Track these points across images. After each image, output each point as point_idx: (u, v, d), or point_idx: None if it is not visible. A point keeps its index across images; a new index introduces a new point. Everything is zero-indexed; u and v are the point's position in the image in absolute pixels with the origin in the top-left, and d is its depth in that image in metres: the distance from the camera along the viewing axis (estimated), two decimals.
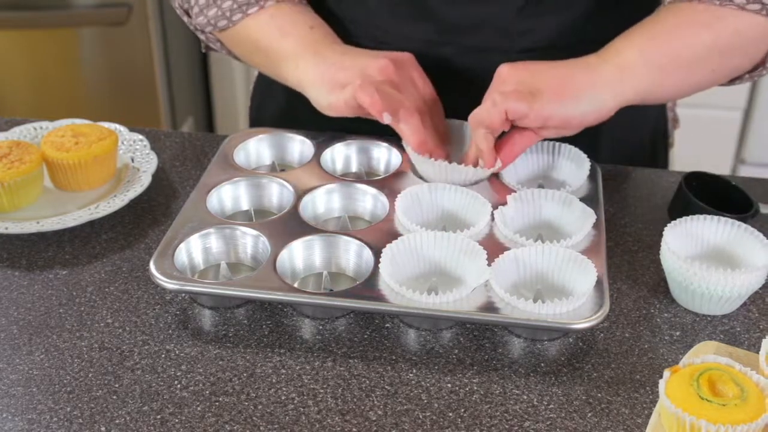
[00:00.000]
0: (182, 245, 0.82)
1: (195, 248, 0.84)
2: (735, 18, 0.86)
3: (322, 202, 0.90)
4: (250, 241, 0.84)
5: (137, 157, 1.00)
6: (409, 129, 0.87)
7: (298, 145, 0.99)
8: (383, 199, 0.89)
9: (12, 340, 0.79)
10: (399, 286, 0.77)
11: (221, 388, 0.74)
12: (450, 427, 0.70)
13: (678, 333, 0.80)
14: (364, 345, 0.78)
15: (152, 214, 0.95)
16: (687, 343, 0.78)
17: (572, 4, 0.96)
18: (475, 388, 0.74)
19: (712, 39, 0.86)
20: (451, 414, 0.71)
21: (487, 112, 0.84)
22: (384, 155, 0.98)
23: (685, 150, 1.36)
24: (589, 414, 0.72)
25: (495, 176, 0.91)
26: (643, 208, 0.96)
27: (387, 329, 0.79)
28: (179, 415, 0.71)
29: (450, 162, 0.88)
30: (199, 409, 0.72)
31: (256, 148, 0.99)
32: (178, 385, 0.74)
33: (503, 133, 0.88)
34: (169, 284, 0.79)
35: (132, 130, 1.05)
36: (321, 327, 0.80)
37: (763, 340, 0.71)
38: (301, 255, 0.83)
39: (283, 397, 0.73)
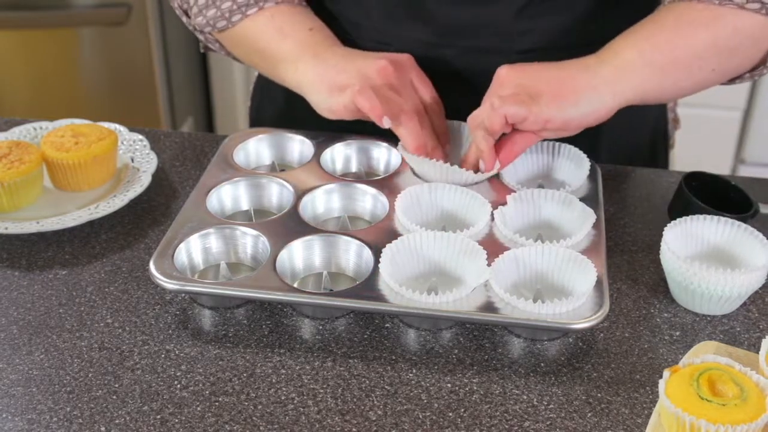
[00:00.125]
0: (182, 245, 0.82)
1: (195, 248, 0.84)
2: (734, 17, 0.86)
3: (322, 202, 0.90)
4: (249, 241, 0.84)
5: (137, 157, 1.00)
6: (407, 132, 0.88)
7: (298, 145, 0.99)
8: (383, 199, 0.89)
9: (12, 340, 0.79)
10: (399, 286, 0.77)
11: (221, 388, 0.74)
12: (450, 427, 0.70)
13: (678, 333, 0.80)
14: (364, 345, 0.78)
15: (152, 214, 0.95)
16: (687, 343, 0.78)
17: (572, 4, 0.95)
18: (475, 388, 0.74)
19: (711, 38, 0.86)
20: (451, 414, 0.71)
21: (487, 117, 0.84)
22: (384, 155, 0.98)
23: (685, 150, 1.36)
24: (589, 414, 0.72)
25: (495, 176, 0.91)
26: (642, 208, 0.96)
27: (387, 329, 0.79)
28: (179, 415, 0.71)
29: (448, 163, 0.88)
30: (199, 409, 0.72)
31: (256, 148, 0.99)
32: (178, 385, 0.74)
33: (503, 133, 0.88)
34: (169, 284, 0.79)
35: (132, 130, 1.05)
36: (321, 327, 0.80)
37: (763, 340, 0.71)
38: (300, 255, 0.83)
39: (282, 397, 0.73)
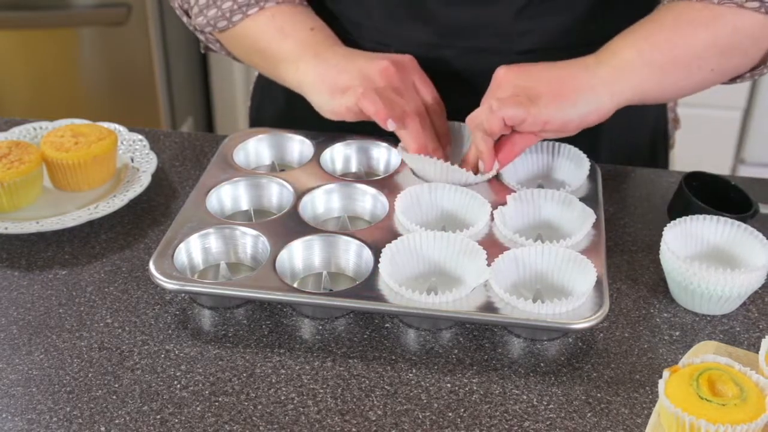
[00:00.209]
0: (182, 245, 0.82)
1: (195, 248, 0.84)
2: (734, 16, 0.86)
3: (322, 202, 0.90)
4: (249, 241, 0.84)
5: (137, 157, 1.00)
6: (408, 134, 0.88)
7: (298, 145, 0.99)
8: (383, 199, 0.89)
9: (11, 340, 0.79)
10: (398, 286, 0.77)
11: (221, 388, 0.74)
12: (449, 427, 0.70)
13: (677, 333, 0.80)
14: (364, 345, 0.78)
15: (152, 214, 0.95)
16: (686, 343, 0.78)
17: (572, 4, 0.95)
18: (475, 388, 0.74)
19: (710, 38, 0.86)
20: (450, 414, 0.71)
21: (486, 119, 0.84)
22: (383, 155, 0.98)
23: (685, 150, 1.36)
24: (589, 414, 0.72)
25: (495, 176, 0.91)
26: (642, 208, 0.96)
27: (387, 329, 0.79)
28: (179, 415, 0.71)
29: (447, 162, 0.88)
30: (198, 409, 0.72)
31: (256, 148, 0.99)
32: (178, 385, 0.74)
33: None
34: (169, 284, 0.79)
35: (131, 130, 1.05)
36: (320, 327, 0.80)
37: (763, 339, 0.71)
38: (300, 255, 0.83)
39: (282, 397, 0.73)
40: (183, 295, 0.83)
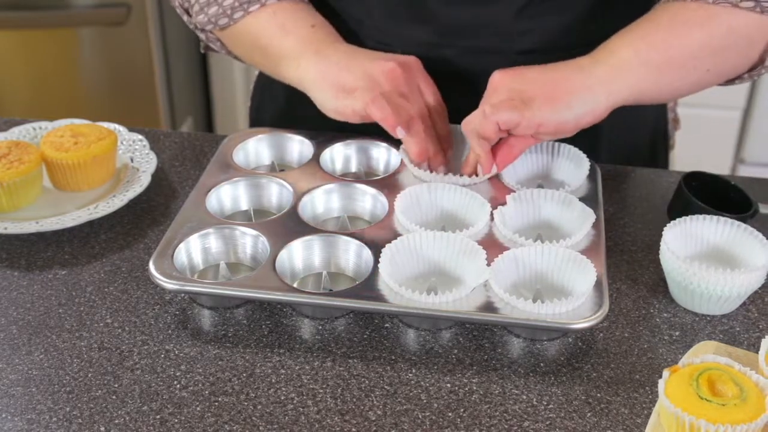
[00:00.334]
0: (182, 245, 0.82)
1: (194, 248, 0.84)
2: (729, 16, 0.86)
3: (322, 202, 0.90)
4: (249, 241, 0.84)
5: (136, 157, 1.00)
6: (411, 139, 0.88)
7: (298, 145, 0.99)
8: (382, 199, 0.89)
9: (11, 340, 0.79)
10: (398, 286, 0.77)
11: (221, 388, 0.74)
12: (449, 427, 0.70)
13: (677, 333, 0.80)
14: (364, 345, 0.78)
15: (151, 214, 0.95)
16: (686, 343, 0.78)
17: (572, 4, 0.95)
18: (475, 388, 0.74)
19: (705, 38, 0.86)
20: (450, 414, 0.71)
21: (480, 124, 0.84)
22: (383, 155, 0.98)
23: (684, 150, 1.36)
24: (589, 414, 0.72)
25: (494, 176, 0.91)
26: (642, 208, 0.96)
27: (386, 329, 0.79)
28: (179, 415, 0.71)
29: (447, 168, 0.90)
30: (198, 409, 0.72)
31: (256, 148, 0.99)
32: (178, 385, 0.74)
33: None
34: (169, 284, 0.79)
35: (131, 130, 1.05)
36: (320, 327, 0.80)
37: (763, 339, 0.71)
38: (300, 255, 0.83)
39: (282, 397, 0.73)
40: (183, 295, 0.83)
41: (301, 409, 0.72)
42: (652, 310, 0.82)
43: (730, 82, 0.93)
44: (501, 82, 0.86)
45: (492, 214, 0.85)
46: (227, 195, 0.91)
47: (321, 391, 0.73)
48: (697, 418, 0.63)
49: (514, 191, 0.89)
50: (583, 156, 0.93)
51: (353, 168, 0.98)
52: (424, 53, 0.95)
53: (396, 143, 0.92)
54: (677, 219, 0.84)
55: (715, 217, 0.84)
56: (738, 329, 0.80)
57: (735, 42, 0.87)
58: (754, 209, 0.89)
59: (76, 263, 0.88)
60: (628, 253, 0.89)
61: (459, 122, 0.89)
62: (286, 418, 0.71)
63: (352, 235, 0.83)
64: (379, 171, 0.98)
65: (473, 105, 0.87)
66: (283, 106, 1.11)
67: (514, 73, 0.86)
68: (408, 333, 0.79)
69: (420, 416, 0.71)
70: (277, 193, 0.92)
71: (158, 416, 0.71)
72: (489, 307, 0.76)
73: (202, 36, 1.02)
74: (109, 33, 2.05)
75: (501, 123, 0.83)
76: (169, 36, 2.14)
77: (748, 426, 0.63)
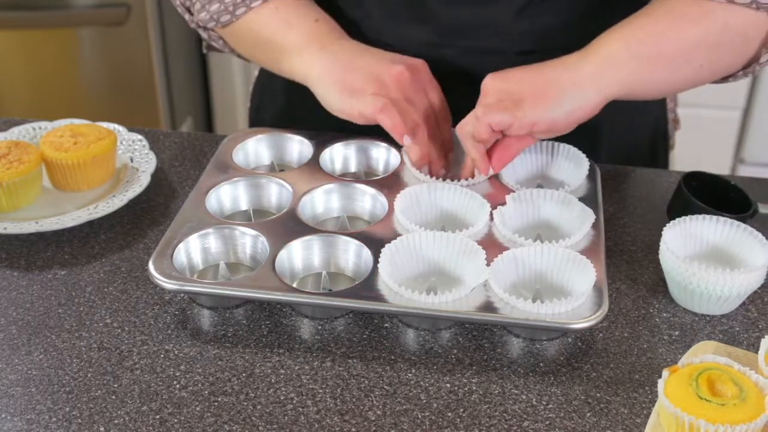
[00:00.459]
0: (181, 245, 0.82)
1: (194, 248, 0.84)
2: (725, 12, 0.85)
3: (321, 202, 0.90)
4: (249, 241, 0.84)
5: (136, 157, 1.00)
6: (413, 145, 0.88)
7: (297, 145, 0.99)
8: (382, 199, 0.89)
9: (11, 340, 0.79)
10: (398, 286, 0.77)
11: (220, 388, 0.74)
12: (449, 427, 0.70)
13: (677, 333, 0.80)
14: (363, 345, 0.78)
15: (151, 214, 0.95)
16: (686, 343, 0.78)
17: (572, 4, 0.95)
18: (474, 388, 0.74)
19: (700, 33, 0.86)
20: (450, 414, 0.71)
21: (473, 126, 0.84)
22: (383, 155, 0.98)
23: (684, 150, 1.36)
24: (588, 414, 0.72)
25: (494, 176, 0.91)
26: (642, 208, 0.96)
27: (386, 329, 0.79)
28: (178, 415, 0.71)
29: (447, 172, 0.91)
30: (198, 409, 0.72)
31: (255, 148, 0.99)
32: (177, 385, 0.74)
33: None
34: (168, 284, 0.79)
35: (131, 130, 1.05)
36: (320, 327, 0.80)
37: (762, 339, 0.71)
38: (300, 255, 0.83)
39: (282, 397, 0.73)
40: (182, 295, 0.83)
41: (301, 409, 0.72)
42: (651, 310, 0.82)
43: (725, 79, 0.93)
44: (492, 85, 0.86)
45: (491, 214, 0.85)
46: (227, 195, 0.91)
47: (320, 391, 0.73)
48: (696, 418, 0.63)
49: (514, 191, 0.89)
50: (583, 156, 0.93)
51: (353, 168, 0.98)
52: (424, 53, 0.95)
53: (396, 143, 0.92)
54: (677, 219, 0.84)
55: (714, 217, 0.84)
56: (737, 329, 0.80)
57: (730, 38, 0.87)
58: (754, 209, 0.89)
59: (75, 263, 0.88)
60: (627, 253, 0.89)
61: (459, 122, 0.90)
62: (286, 418, 0.71)
63: (351, 235, 0.83)
64: (378, 171, 0.98)
65: (473, 105, 0.87)
66: (282, 107, 1.11)
67: (505, 75, 0.86)
68: (407, 333, 0.79)
69: (419, 416, 0.71)
70: (276, 193, 0.92)
71: (158, 416, 0.71)
72: (488, 307, 0.76)
73: (204, 34, 1.02)
74: (108, 33, 2.05)
75: (493, 125, 0.83)
76: (168, 36, 2.14)
77: (748, 426, 0.63)
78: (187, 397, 0.73)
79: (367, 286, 0.78)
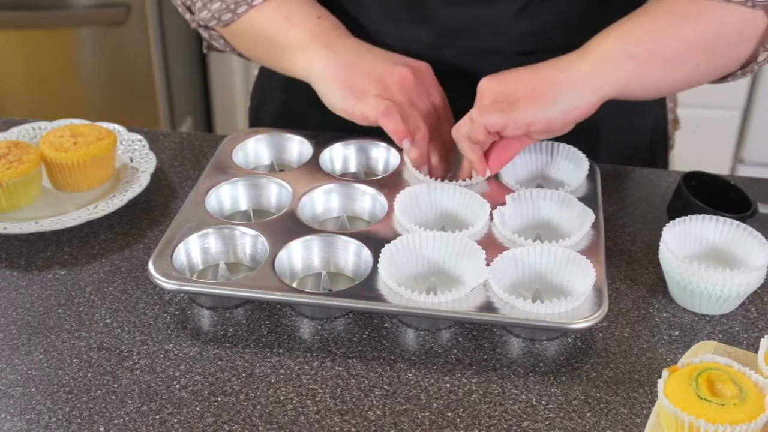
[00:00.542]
0: (181, 245, 0.82)
1: (194, 248, 0.84)
2: (720, 10, 0.85)
3: (321, 202, 0.90)
4: (248, 241, 0.84)
5: (136, 157, 1.00)
6: (414, 149, 0.89)
7: (297, 145, 0.99)
8: (382, 199, 0.89)
9: (11, 340, 0.79)
10: (398, 286, 0.77)
11: (220, 388, 0.74)
12: (449, 427, 0.70)
13: (677, 333, 0.80)
14: (363, 345, 0.78)
15: (151, 214, 0.95)
16: (686, 343, 0.78)
17: (572, 5, 0.95)
18: (474, 387, 0.74)
19: (697, 32, 0.86)
20: (450, 414, 0.71)
21: (469, 128, 0.84)
22: (383, 155, 0.98)
23: (684, 150, 1.36)
24: (588, 414, 0.72)
25: (494, 176, 0.91)
26: (641, 208, 0.96)
27: (386, 329, 0.79)
28: (178, 415, 0.71)
29: (447, 174, 0.91)
30: (197, 409, 0.72)
31: (255, 148, 0.99)
32: (177, 385, 0.74)
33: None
34: (168, 284, 0.79)
35: (131, 130, 1.05)
36: (320, 327, 0.80)
37: (762, 339, 0.71)
38: (299, 255, 0.83)
39: (281, 397, 0.73)
40: (182, 295, 0.83)
41: (301, 409, 0.72)
42: (651, 310, 0.82)
43: (724, 79, 0.93)
44: (488, 87, 0.86)
45: (491, 214, 0.85)
46: (226, 195, 0.91)
47: (320, 391, 0.73)
48: (696, 418, 0.63)
49: (514, 191, 0.89)
50: (583, 156, 0.93)
51: (352, 168, 0.98)
52: (424, 54, 0.95)
53: (396, 144, 0.92)
54: (677, 219, 0.84)
55: (714, 217, 0.84)
56: (737, 329, 0.80)
57: (726, 37, 0.87)
58: (754, 209, 0.89)
59: (75, 263, 0.88)
60: (627, 253, 0.89)
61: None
62: (286, 418, 0.71)
63: (351, 235, 0.83)
64: (378, 171, 0.98)
65: (472, 106, 0.87)
66: (282, 107, 1.11)
67: (500, 77, 0.87)
68: (407, 333, 0.79)
69: (419, 416, 0.71)
70: (276, 193, 0.92)
71: (157, 416, 0.71)
72: (488, 307, 0.76)
73: (204, 34, 1.02)
74: (108, 33, 2.05)
75: (488, 126, 0.83)
76: (168, 36, 2.14)
77: (748, 426, 0.63)
78: (186, 397, 0.73)
79: (366, 286, 0.78)
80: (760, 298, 0.83)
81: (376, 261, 0.79)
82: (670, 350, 0.78)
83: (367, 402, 0.72)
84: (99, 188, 0.97)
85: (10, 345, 0.78)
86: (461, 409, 0.72)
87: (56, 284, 0.85)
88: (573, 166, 0.94)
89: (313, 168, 0.94)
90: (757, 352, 0.74)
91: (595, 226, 0.85)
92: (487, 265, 0.79)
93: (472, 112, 0.85)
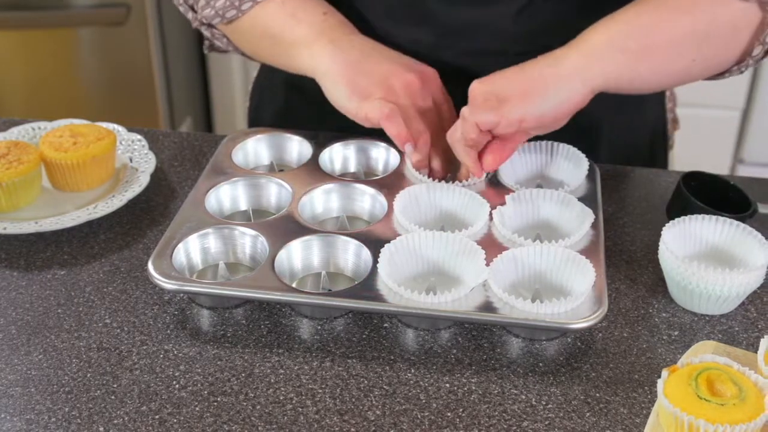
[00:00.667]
0: (180, 245, 0.82)
1: (193, 248, 0.84)
2: (714, 4, 0.85)
3: (321, 202, 0.90)
4: (248, 241, 0.84)
5: (135, 157, 1.00)
6: (416, 154, 0.89)
7: (297, 145, 0.99)
8: (381, 199, 0.89)
9: (10, 340, 0.79)
10: (397, 286, 0.77)
11: (220, 388, 0.74)
12: (448, 427, 0.70)
13: (676, 333, 0.80)
14: (363, 345, 0.78)
15: (150, 215, 0.95)
16: (685, 343, 0.78)
17: (572, 5, 0.95)
18: (474, 387, 0.74)
19: (689, 25, 0.86)
20: (449, 414, 0.71)
21: (461, 129, 0.84)
22: (382, 155, 0.98)
23: (683, 150, 1.36)
24: (588, 414, 0.72)
25: (493, 176, 0.91)
26: (641, 208, 0.96)
27: (385, 329, 0.79)
28: (178, 415, 0.71)
29: (447, 173, 0.91)
30: (197, 409, 0.72)
31: (255, 148, 0.99)
32: (177, 386, 0.74)
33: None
34: (168, 284, 0.79)
35: (130, 130, 1.05)
36: (319, 327, 0.80)
37: (761, 339, 0.71)
38: (299, 255, 0.83)
39: (281, 397, 0.73)
40: (182, 295, 0.83)
41: (300, 409, 0.72)
42: (651, 310, 0.82)
43: (720, 75, 0.92)
44: (479, 89, 0.86)
45: (491, 214, 0.85)
46: (226, 195, 0.91)
47: (320, 391, 0.73)
48: (696, 418, 0.63)
49: (513, 191, 0.89)
50: (582, 156, 0.93)
51: (352, 168, 0.98)
52: (424, 54, 0.95)
53: (396, 144, 0.92)
54: (676, 219, 0.84)
55: (714, 217, 0.84)
56: (737, 329, 0.80)
57: (719, 30, 0.86)
58: (753, 209, 0.89)
59: (75, 263, 0.88)
60: (627, 253, 0.89)
61: None
62: (285, 418, 0.71)
63: (351, 235, 0.83)
64: (378, 171, 0.98)
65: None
66: (281, 107, 1.11)
67: (489, 78, 0.87)
68: (407, 333, 0.79)
69: (419, 416, 0.71)
70: (276, 193, 0.92)
71: (157, 416, 0.71)
72: (488, 307, 0.76)
73: (207, 33, 1.02)
74: (108, 33, 2.05)
75: (480, 123, 0.83)
76: (168, 36, 2.14)
77: (747, 426, 0.63)
78: (186, 397, 0.73)
79: (366, 286, 0.78)
80: (760, 298, 0.84)
81: (375, 261, 0.79)
82: (670, 350, 0.78)
83: (366, 402, 0.72)
84: (99, 188, 0.97)
85: (9, 345, 0.78)
86: (461, 409, 0.72)
87: (56, 284, 0.85)
88: (573, 166, 0.94)
89: (312, 168, 0.94)
90: (756, 352, 0.74)
91: (594, 226, 0.85)
92: (487, 265, 0.79)
93: (464, 111, 0.84)
